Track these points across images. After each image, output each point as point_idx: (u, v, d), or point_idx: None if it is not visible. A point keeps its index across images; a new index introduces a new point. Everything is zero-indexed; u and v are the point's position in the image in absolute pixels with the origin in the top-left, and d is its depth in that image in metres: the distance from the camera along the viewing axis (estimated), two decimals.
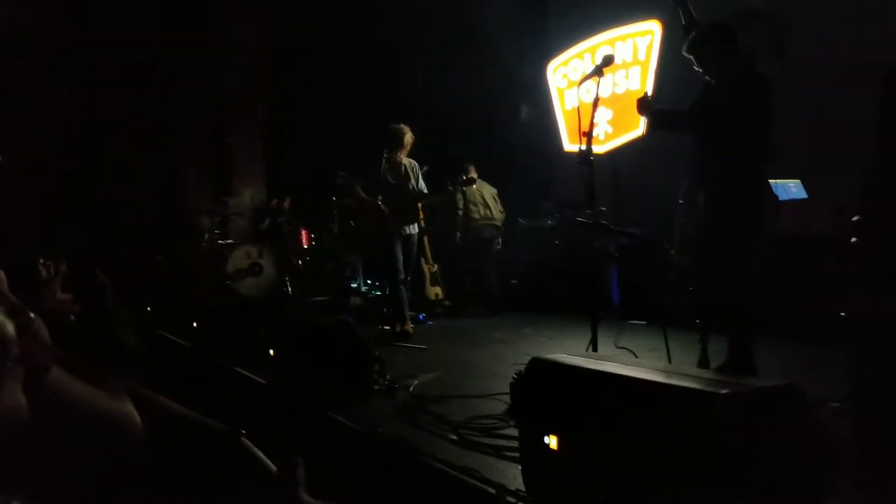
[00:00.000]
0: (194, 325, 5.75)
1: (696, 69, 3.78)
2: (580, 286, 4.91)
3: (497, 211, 7.75)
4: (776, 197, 5.71)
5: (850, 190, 1.99)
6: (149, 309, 7.10)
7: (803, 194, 6.08)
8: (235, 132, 9.05)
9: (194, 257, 8.21)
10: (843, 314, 1.73)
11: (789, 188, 6.07)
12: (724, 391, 1.69)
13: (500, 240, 7.85)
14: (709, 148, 3.62)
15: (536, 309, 7.43)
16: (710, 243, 3.58)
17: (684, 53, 3.77)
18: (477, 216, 7.64)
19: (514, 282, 8.28)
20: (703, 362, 3.45)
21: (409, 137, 5.94)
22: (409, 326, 5.81)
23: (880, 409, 1.50)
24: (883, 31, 5.44)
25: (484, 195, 7.68)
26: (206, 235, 8.17)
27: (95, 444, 1.07)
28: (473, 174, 6.41)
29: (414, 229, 5.98)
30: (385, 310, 6.07)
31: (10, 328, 0.85)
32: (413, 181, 5.97)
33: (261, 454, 1.35)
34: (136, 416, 1.13)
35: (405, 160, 5.99)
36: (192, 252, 8.26)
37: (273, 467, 1.30)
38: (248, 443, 1.34)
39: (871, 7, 5.58)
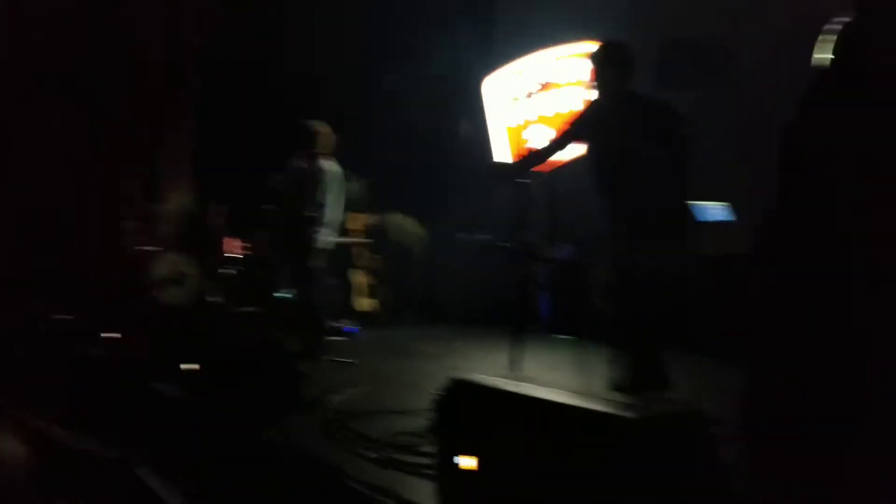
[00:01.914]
0: (115, 335, 5.52)
1: (592, 84, 3.75)
2: (511, 301, 4.98)
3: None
4: (701, 218, 5.94)
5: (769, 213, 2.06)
6: (69, 317, 6.80)
7: (728, 217, 6.31)
8: (164, 136, 8.80)
9: (116, 263, 7.91)
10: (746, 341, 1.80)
11: (713, 210, 6.29)
12: (632, 415, 1.73)
13: None
14: (610, 173, 3.67)
15: (471, 322, 7.46)
16: (623, 262, 3.64)
17: (588, 61, 3.78)
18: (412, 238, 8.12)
19: (451, 295, 8.31)
20: (621, 382, 3.51)
21: (323, 135, 5.55)
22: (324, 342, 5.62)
23: (774, 432, 1.56)
24: (805, 61, 5.69)
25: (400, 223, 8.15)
26: (130, 241, 7.89)
27: None
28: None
29: (322, 241, 5.54)
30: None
31: None
32: (320, 186, 5.48)
33: (157, 485, 1.30)
34: (19, 453, 1.08)
35: (323, 162, 5.56)
36: (114, 258, 7.96)
37: (174, 501, 1.26)
38: (144, 472, 1.29)
39: (795, 36, 5.81)
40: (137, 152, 8.64)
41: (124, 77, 8.53)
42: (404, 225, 8.12)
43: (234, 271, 8.00)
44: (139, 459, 1.27)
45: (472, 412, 2.16)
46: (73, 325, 6.08)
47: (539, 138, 7.56)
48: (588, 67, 3.74)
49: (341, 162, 5.93)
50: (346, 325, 6.82)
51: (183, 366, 3.86)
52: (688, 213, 3.98)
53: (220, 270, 7.89)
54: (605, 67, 3.65)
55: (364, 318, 7.52)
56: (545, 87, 3.75)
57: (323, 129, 5.61)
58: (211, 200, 8.24)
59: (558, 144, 3.94)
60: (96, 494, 1.25)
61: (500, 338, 6.25)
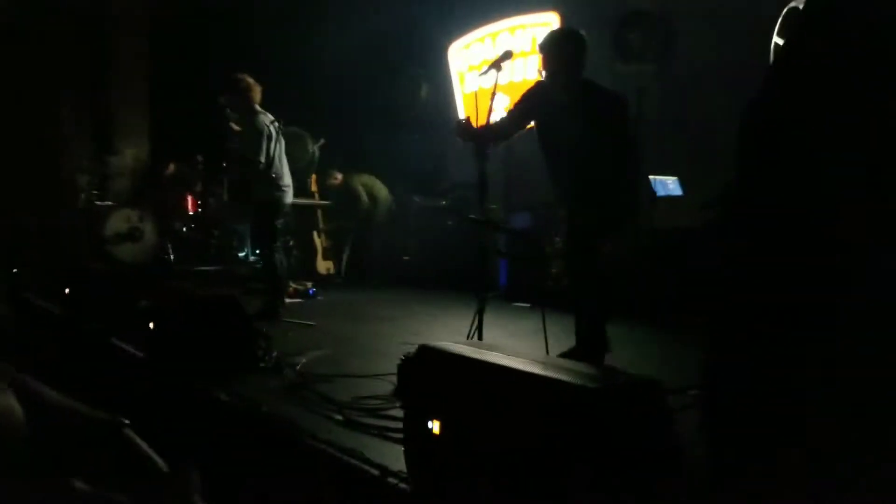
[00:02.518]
0: (66, 290, 5.44)
1: (542, 71, 3.76)
2: (469, 267, 5.05)
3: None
4: (654, 193, 6.09)
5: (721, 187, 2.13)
6: (15, 271, 6.67)
7: (679, 191, 6.47)
8: (118, 86, 8.53)
9: (69, 217, 7.73)
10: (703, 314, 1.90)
11: (667, 184, 6.45)
12: (594, 385, 1.83)
13: None
14: (555, 156, 3.77)
15: (427, 286, 7.55)
16: (575, 240, 3.78)
17: (538, 50, 3.80)
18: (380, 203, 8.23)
19: (407, 258, 8.37)
20: (575, 350, 3.66)
21: (255, 88, 5.36)
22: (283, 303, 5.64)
23: (729, 404, 1.67)
24: (758, 37, 5.80)
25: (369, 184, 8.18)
26: (83, 195, 7.72)
27: None
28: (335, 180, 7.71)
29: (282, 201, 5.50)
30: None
31: None
32: (251, 142, 5.30)
33: (146, 447, 1.32)
34: (18, 409, 1.10)
35: (261, 117, 5.35)
36: (67, 212, 7.78)
37: (160, 461, 1.28)
38: (133, 434, 1.31)
39: (747, 12, 5.90)
40: (87, 103, 8.37)
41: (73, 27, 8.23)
42: (374, 187, 8.09)
43: (190, 229, 7.90)
44: (124, 420, 1.28)
45: (439, 378, 2.23)
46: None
47: (498, 106, 7.60)
48: (539, 54, 3.75)
49: (296, 122, 5.82)
50: (309, 287, 6.83)
51: (145, 323, 3.85)
52: (636, 191, 4.10)
53: (178, 228, 7.78)
54: (555, 56, 3.66)
55: (323, 280, 7.54)
56: (506, 55, 3.74)
57: (253, 81, 5.40)
58: (168, 157, 8.08)
59: (510, 124, 3.96)
60: (88, 455, 1.26)
61: (457, 302, 6.36)
